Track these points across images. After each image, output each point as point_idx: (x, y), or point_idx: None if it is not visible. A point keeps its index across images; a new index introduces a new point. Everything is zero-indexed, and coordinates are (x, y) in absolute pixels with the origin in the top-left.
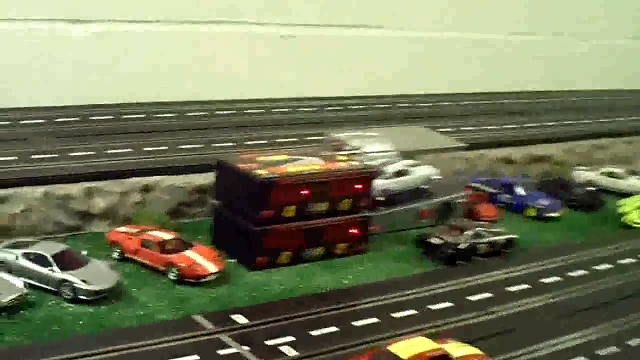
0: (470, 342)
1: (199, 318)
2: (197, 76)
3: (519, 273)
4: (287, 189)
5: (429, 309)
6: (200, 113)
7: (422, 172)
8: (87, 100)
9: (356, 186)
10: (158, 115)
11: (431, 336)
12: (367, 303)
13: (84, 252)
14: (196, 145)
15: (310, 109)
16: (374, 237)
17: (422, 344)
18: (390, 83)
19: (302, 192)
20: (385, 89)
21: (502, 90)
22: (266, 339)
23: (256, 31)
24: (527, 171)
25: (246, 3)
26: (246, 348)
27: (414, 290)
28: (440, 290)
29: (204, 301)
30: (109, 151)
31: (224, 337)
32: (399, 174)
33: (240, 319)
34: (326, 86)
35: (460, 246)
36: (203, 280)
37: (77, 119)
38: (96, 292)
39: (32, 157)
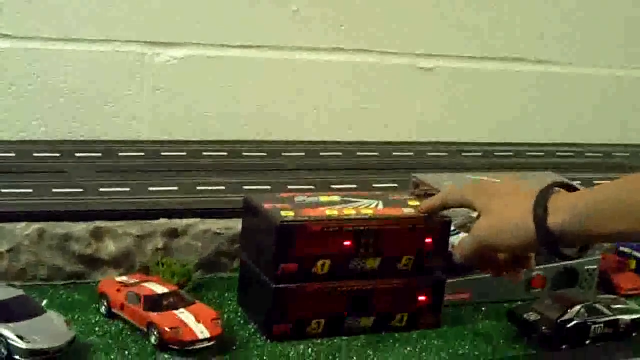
0: None
1: None
2: (294, 113)
3: None
4: (319, 237)
5: None
6: (298, 153)
7: None
8: (164, 135)
9: (424, 240)
10: (244, 154)
11: None
12: None
13: (44, 302)
14: (263, 187)
15: (444, 154)
16: (460, 307)
17: None
18: (554, 130)
19: (342, 242)
20: (552, 135)
21: None
22: None
23: (381, 62)
24: None
25: (371, 25)
26: None
27: None
28: None
29: None
30: (150, 188)
31: None
32: None
33: None
34: (467, 128)
35: (563, 324)
36: (191, 347)
37: (142, 154)
38: (34, 352)
39: (53, 190)
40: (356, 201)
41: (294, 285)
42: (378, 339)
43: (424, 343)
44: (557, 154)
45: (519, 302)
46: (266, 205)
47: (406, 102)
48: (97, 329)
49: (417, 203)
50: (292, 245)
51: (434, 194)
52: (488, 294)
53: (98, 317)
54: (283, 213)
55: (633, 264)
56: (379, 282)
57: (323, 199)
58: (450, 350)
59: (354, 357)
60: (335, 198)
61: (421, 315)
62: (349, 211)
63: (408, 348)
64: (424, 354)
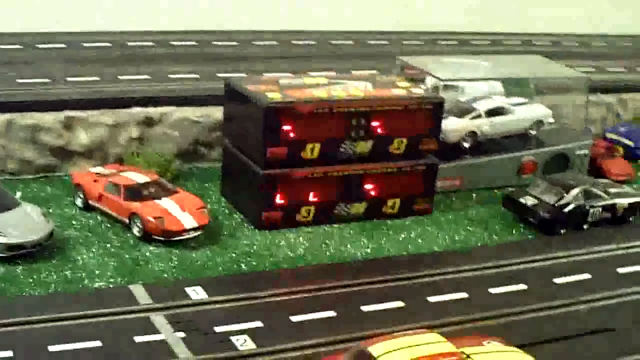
0: (534, 345)
1: (136, 289)
2: (267, 2)
3: (638, 250)
4: (308, 119)
5: (487, 292)
6: (270, 42)
7: (529, 113)
8: (129, 26)
9: (416, 123)
10: (214, 43)
11: (469, 333)
12: (394, 280)
13: (18, 194)
14: (238, 75)
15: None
16: (451, 194)
17: (421, 343)
18: (533, 20)
19: (331, 125)
20: (531, 25)
21: None
22: (218, 324)
23: None
24: None
25: None
26: (180, 335)
27: (476, 266)
28: (514, 268)
29: (166, 267)
30: (120, 77)
31: (157, 317)
32: (494, 112)
33: (197, 293)
34: (442, 17)
35: (562, 209)
36: (177, 238)
37: (108, 44)
38: (11, 247)
39: (18, 81)
40: (344, 82)
41: (283, 171)
42: (371, 226)
43: (419, 230)
44: (534, 42)
45: (510, 188)
46: (250, 88)
47: None
48: (74, 222)
49: (407, 84)
50: (281, 128)
51: (421, 79)
52: (479, 180)
53: (74, 210)
54: (270, 95)
55: (622, 151)
56: (371, 167)
57: (308, 80)
58: (447, 237)
59: (348, 245)
60: (322, 80)
61: (413, 201)
62: (339, 93)
63: (402, 235)
64: (420, 240)
